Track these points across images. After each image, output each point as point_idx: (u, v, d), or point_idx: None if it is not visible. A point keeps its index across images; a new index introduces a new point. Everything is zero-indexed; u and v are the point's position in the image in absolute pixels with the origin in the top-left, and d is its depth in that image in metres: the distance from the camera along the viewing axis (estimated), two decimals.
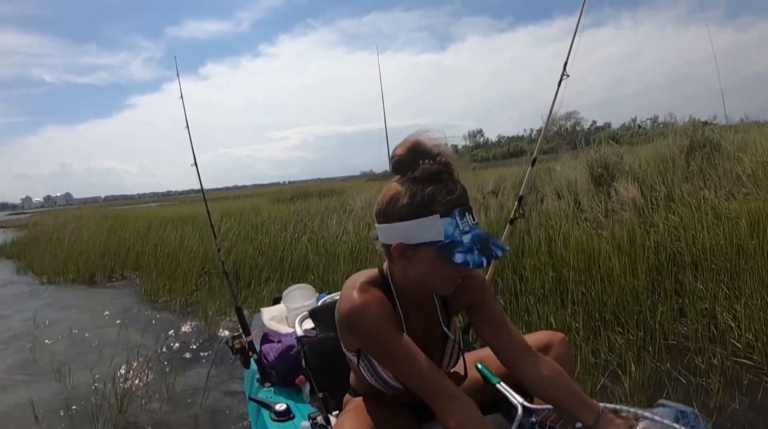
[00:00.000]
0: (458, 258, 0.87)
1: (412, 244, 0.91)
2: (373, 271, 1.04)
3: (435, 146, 0.92)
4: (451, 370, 1.14)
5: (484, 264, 0.86)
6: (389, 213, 0.93)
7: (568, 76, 1.99)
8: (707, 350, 2.37)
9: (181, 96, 2.40)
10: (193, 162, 2.36)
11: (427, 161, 0.90)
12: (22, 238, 11.84)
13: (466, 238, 0.88)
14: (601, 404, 1.00)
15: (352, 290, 0.98)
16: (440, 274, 0.93)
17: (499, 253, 0.88)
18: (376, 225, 0.98)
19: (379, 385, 1.04)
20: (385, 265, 1.04)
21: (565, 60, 1.99)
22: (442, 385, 0.93)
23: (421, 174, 0.90)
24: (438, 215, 0.88)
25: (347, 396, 1.23)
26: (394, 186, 0.94)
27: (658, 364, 2.34)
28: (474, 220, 0.91)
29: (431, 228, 0.88)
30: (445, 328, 1.07)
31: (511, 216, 2.06)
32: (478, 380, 1.18)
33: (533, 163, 2.09)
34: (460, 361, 1.16)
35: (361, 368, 1.04)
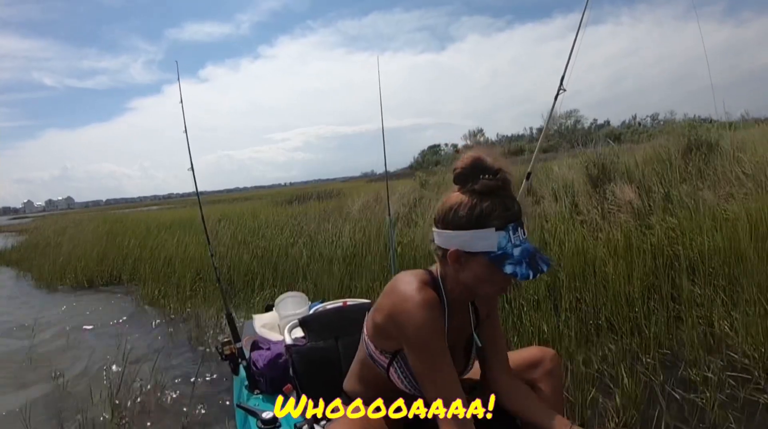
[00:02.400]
0: (508, 269, 0.93)
1: (467, 251, 0.97)
2: (423, 273, 1.07)
3: (495, 162, 0.97)
4: (466, 376, 1.19)
5: (531, 277, 0.92)
6: (448, 220, 0.98)
7: (564, 90, 1.99)
8: (703, 361, 2.29)
9: (181, 101, 2.39)
10: (189, 167, 2.35)
11: (487, 176, 0.96)
12: (22, 243, 11.86)
13: (517, 252, 0.94)
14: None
15: (409, 287, 1.01)
16: (489, 283, 0.99)
17: (545, 268, 0.94)
18: (434, 229, 1.03)
19: (409, 388, 1.08)
20: (435, 267, 1.09)
21: (561, 75, 1.98)
22: (461, 396, 0.98)
23: (481, 188, 0.95)
24: (494, 228, 0.94)
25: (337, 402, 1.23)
26: (454, 196, 0.99)
27: (652, 377, 2.27)
28: (524, 234, 0.96)
29: (486, 239, 0.94)
30: (475, 335, 1.14)
31: None
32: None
33: (528, 176, 2.07)
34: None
35: (393, 370, 1.07)
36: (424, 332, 0.98)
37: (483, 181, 0.95)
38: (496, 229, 0.93)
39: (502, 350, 1.17)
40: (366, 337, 1.12)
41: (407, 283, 1.03)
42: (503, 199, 0.95)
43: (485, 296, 1.07)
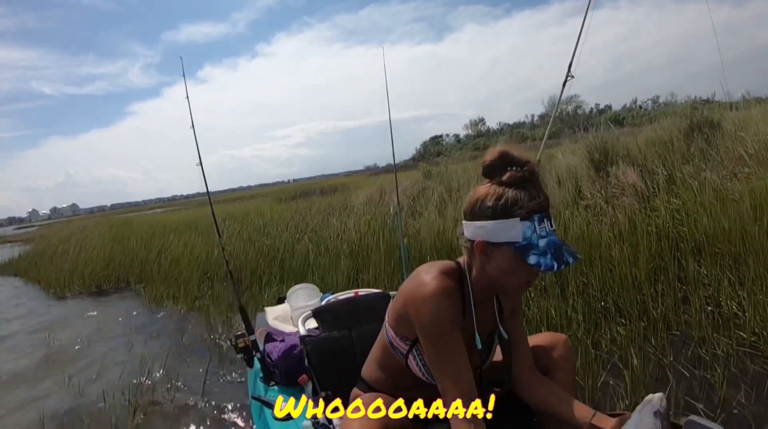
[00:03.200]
0: (532, 259, 0.93)
1: (493, 242, 0.98)
2: (450, 263, 1.09)
3: (523, 155, 0.98)
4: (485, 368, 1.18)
5: (555, 268, 0.91)
6: (476, 212, 1.00)
7: (572, 77, 1.99)
8: (711, 340, 2.31)
9: (187, 96, 2.39)
10: (198, 162, 2.35)
11: (515, 168, 0.97)
12: (29, 253, 11.92)
13: (542, 243, 0.94)
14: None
15: (427, 275, 1.03)
16: (515, 275, 0.98)
17: (571, 261, 0.93)
18: (463, 221, 1.04)
19: (427, 377, 1.09)
20: (463, 259, 1.10)
21: (569, 62, 1.98)
22: (471, 392, 0.99)
23: (508, 179, 0.96)
24: (518, 218, 0.94)
25: (355, 390, 1.25)
26: (483, 188, 1.00)
27: (661, 356, 2.29)
28: (552, 226, 0.96)
29: (511, 230, 0.95)
30: (501, 328, 1.14)
31: None
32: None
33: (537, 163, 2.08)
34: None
35: (411, 357, 1.09)
36: (435, 319, 0.99)
37: (510, 172, 0.96)
38: (521, 220, 0.94)
39: (525, 346, 1.18)
40: (387, 323, 1.13)
41: (427, 271, 1.04)
42: (530, 190, 0.95)
43: (511, 289, 1.06)
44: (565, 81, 2.00)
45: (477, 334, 1.06)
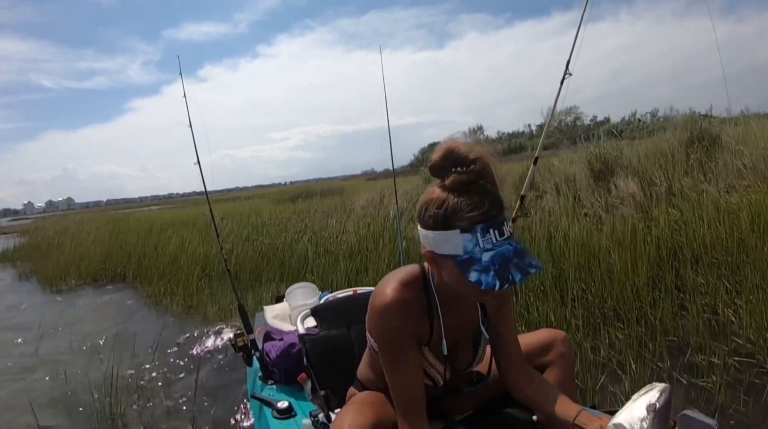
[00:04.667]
0: (472, 276, 0.85)
1: (438, 253, 0.91)
2: (414, 269, 1.04)
3: (471, 151, 0.88)
4: (475, 369, 1.15)
5: (497, 287, 0.83)
6: (422, 218, 0.92)
7: (570, 74, 1.99)
8: (708, 347, 2.34)
9: (184, 94, 2.39)
10: (196, 161, 2.35)
11: (460, 169, 0.87)
12: (24, 244, 11.86)
13: (486, 257, 0.85)
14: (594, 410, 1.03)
15: (389, 286, 0.99)
16: (463, 286, 0.90)
17: (518, 278, 0.84)
18: (418, 227, 0.97)
19: None
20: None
21: (567, 59, 1.99)
22: (415, 415, 0.99)
23: (451, 184, 0.87)
24: (458, 230, 0.86)
25: (351, 389, 1.24)
26: (431, 191, 0.92)
27: (659, 363, 2.32)
28: (501, 235, 0.86)
29: (452, 242, 0.87)
30: (483, 328, 1.09)
31: (512, 215, 2.06)
32: (494, 375, 1.19)
33: (535, 161, 2.09)
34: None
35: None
36: (386, 332, 0.98)
37: (454, 175, 0.87)
38: (461, 232, 0.85)
39: (513, 342, 1.12)
40: (367, 328, 1.12)
41: (389, 281, 1.00)
42: (474, 197, 0.86)
43: (472, 298, 1.00)
44: (563, 79, 2.00)
45: (444, 340, 1.03)
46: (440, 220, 0.87)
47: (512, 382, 1.11)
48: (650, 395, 0.84)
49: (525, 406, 1.15)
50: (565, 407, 1.00)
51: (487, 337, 1.10)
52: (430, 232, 0.90)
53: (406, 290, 0.98)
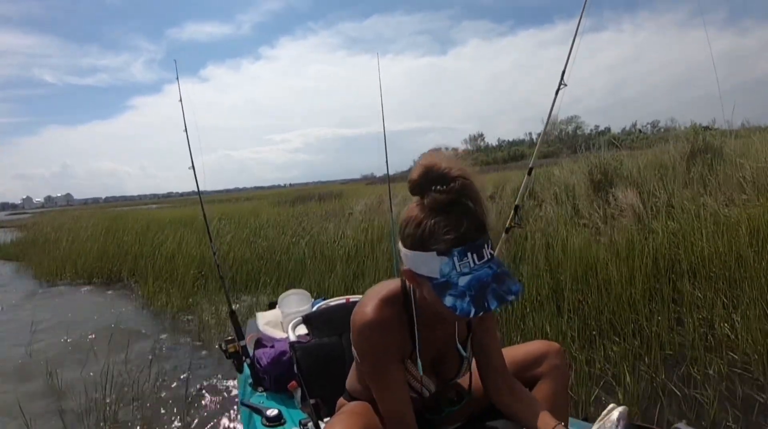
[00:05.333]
0: (448, 301, 0.83)
1: (416, 272, 0.89)
2: (394, 285, 1.02)
3: (451, 168, 0.85)
4: (461, 378, 1.15)
5: (471, 314, 0.81)
6: (401, 236, 0.90)
7: (565, 85, 2.00)
8: (704, 360, 2.33)
9: (180, 100, 2.39)
10: (190, 165, 2.34)
11: (439, 187, 0.84)
12: (21, 239, 11.85)
13: (463, 281, 0.82)
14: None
15: (370, 304, 0.99)
16: (442, 308, 0.86)
17: (493, 305, 0.81)
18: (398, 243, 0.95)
19: None
20: None
21: (562, 70, 1.99)
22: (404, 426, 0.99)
23: (430, 203, 0.85)
24: (435, 253, 0.84)
25: (341, 400, 1.22)
26: (411, 208, 0.89)
27: (654, 375, 2.30)
28: (480, 259, 0.84)
29: (428, 264, 0.85)
30: (459, 346, 1.08)
31: (507, 225, 2.05)
32: (479, 390, 1.19)
33: (529, 172, 2.08)
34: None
35: None
36: (368, 352, 0.99)
37: (432, 194, 0.84)
38: (438, 254, 0.83)
39: (496, 352, 1.11)
40: (351, 343, 1.11)
41: (369, 300, 1.00)
42: (451, 219, 0.83)
43: (450, 319, 0.99)
44: (558, 89, 2.00)
45: (419, 359, 1.01)
46: (417, 240, 0.85)
47: (494, 392, 1.10)
48: (611, 416, 0.89)
49: (506, 417, 1.14)
50: (544, 421, 0.99)
51: (466, 356, 1.09)
52: (408, 252, 0.88)
53: (386, 308, 0.98)
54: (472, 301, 0.81)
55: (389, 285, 1.03)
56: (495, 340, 1.12)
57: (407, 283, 1.00)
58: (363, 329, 0.97)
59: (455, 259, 0.83)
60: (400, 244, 0.92)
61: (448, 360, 1.09)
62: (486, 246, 0.85)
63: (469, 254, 0.83)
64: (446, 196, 0.83)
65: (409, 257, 0.89)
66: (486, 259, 0.84)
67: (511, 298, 0.83)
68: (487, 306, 0.81)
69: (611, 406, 0.91)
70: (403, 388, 1.01)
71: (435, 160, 0.86)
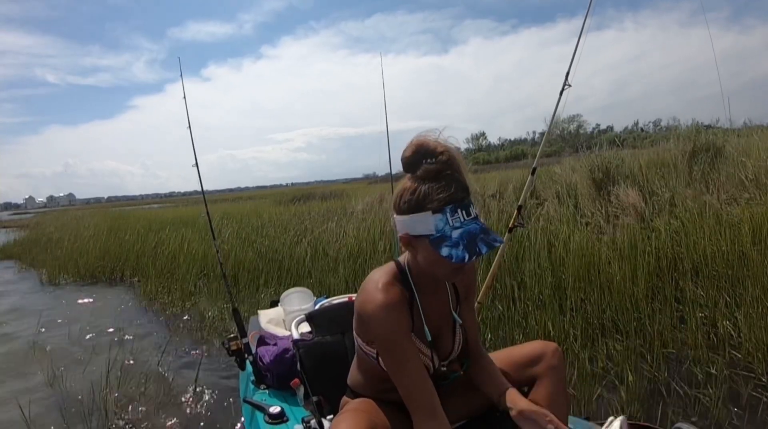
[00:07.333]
0: (444, 251, 0.94)
1: (413, 234, 1.00)
2: (391, 267, 1.10)
3: (438, 145, 0.98)
4: (455, 355, 1.18)
5: (466, 259, 0.92)
6: (398, 206, 1.02)
7: (569, 86, 1.99)
8: (706, 359, 2.32)
9: (184, 96, 2.40)
10: (194, 163, 2.35)
11: (429, 160, 0.97)
12: (24, 239, 11.87)
13: (455, 234, 0.95)
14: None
15: (374, 289, 1.04)
16: (439, 264, 0.99)
17: (484, 250, 0.93)
18: (393, 215, 1.06)
19: None
20: (403, 256, 1.12)
21: (567, 70, 1.98)
22: (428, 402, 1.01)
23: (422, 173, 0.98)
24: (430, 212, 0.96)
25: (344, 398, 1.23)
26: (404, 182, 1.02)
27: (656, 374, 2.30)
28: (468, 215, 0.97)
29: (424, 223, 0.97)
30: (454, 313, 1.16)
31: (510, 225, 2.05)
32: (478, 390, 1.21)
33: (533, 172, 2.08)
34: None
35: (381, 362, 1.08)
36: (386, 334, 1.02)
37: (424, 166, 0.98)
38: (433, 212, 0.96)
39: (472, 327, 1.20)
40: (354, 332, 1.14)
41: (373, 282, 1.06)
42: (442, 182, 0.96)
43: (443, 277, 1.08)
44: (562, 90, 2.00)
45: (425, 326, 1.08)
46: (413, 204, 0.98)
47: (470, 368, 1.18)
48: (613, 427, 0.93)
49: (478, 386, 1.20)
50: (495, 383, 1.12)
51: (459, 321, 1.16)
52: (405, 217, 1.00)
53: (391, 288, 1.05)
54: (465, 248, 0.94)
55: (384, 269, 1.10)
56: (472, 313, 1.23)
57: (402, 261, 1.10)
58: (377, 312, 1.01)
59: (448, 214, 0.96)
60: (395, 216, 1.03)
61: (443, 338, 1.14)
62: (471, 206, 0.98)
63: (459, 211, 0.96)
64: (436, 166, 0.97)
65: (405, 222, 1.00)
66: (473, 216, 0.98)
67: (497, 244, 0.96)
68: (479, 251, 0.93)
69: (610, 419, 0.94)
70: (419, 360, 1.05)
71: (424, 140, 1.00)
